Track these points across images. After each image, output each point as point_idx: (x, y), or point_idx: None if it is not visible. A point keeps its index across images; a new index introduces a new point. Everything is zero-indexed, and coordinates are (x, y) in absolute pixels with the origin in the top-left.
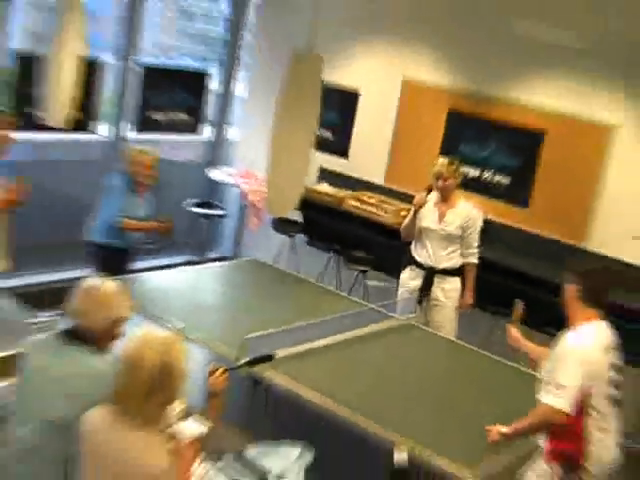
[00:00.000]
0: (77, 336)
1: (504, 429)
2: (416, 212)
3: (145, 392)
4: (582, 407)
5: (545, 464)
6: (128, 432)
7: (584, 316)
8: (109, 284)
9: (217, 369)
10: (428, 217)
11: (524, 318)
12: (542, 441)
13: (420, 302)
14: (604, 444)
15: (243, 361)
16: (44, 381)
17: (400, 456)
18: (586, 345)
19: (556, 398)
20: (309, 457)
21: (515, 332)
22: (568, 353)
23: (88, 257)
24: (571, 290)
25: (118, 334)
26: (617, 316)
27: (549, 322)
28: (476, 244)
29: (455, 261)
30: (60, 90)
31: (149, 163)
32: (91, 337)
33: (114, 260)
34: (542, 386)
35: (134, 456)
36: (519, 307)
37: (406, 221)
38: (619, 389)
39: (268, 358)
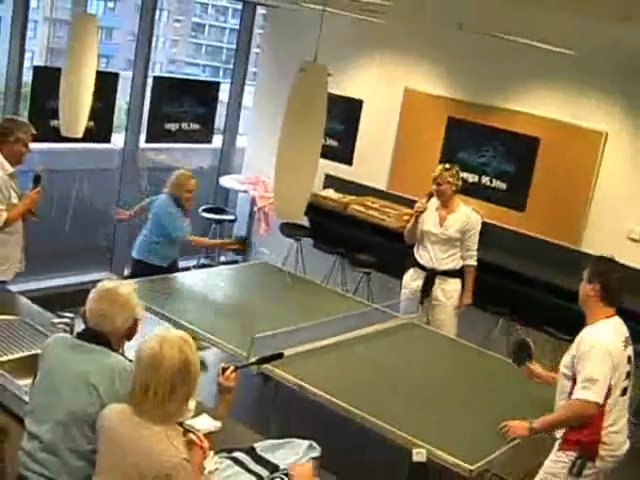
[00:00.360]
0: (94, 337)
1: (532, 424)
2: (417, 217)
3: (168, 391)
4: None
5: (561, 452)
6: (146, 426)
7: (602, 313)
8: (125, 286)
9: (228, 367)
10: (429, 221)
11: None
12: (559, 431)
13: (422, 302)
14: (616, 432)
15: (253, 359)
16: (66, 376)
17: (419, 455)
18: (608, 340)
19: (589, 392)
20: (317, 451)
21: (535, 368)
22: (594, 348)
23: (133, 273)
24: (590, 290)
25: (133, 334)
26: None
27: (545, 321)
28: (475, 247)
29: (455, 263)
30: (76, 102)
31: (194, 188)
32: (109, 338)
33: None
34: (562, 381)
35: (152, 448)
36: (531, 345)
37: (408, 225)
38: (629, 378)
39: (278, 356)
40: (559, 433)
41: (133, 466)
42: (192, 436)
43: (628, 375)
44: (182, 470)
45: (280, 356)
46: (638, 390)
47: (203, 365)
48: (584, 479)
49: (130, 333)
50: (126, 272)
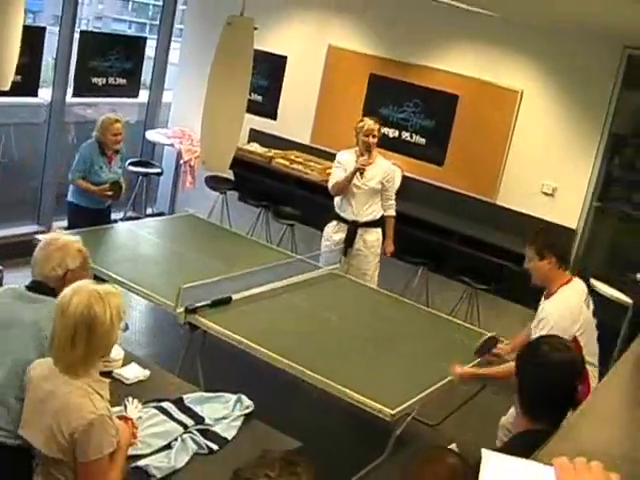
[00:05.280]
0: (36, 286)
1: (470, 369)
2: (361, 172)
3: (69, 340)
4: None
5: None
6: (67, 381)
7: (561, 280)
8: (65, 236)
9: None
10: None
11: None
12: None
13: (345, 254)
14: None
15: (204, 303)
16: (14, 326)
17: None
18: (570, 304)
19: None
20: (247, 404)
21: (465, 371)
22: (551, 315)
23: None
24: (546, 264)
25: (67, 283)
26: None
27: (461, 270)
28: (394, 197)
29: (375, 214)
30: (3, 55)
31: (119, 131)
32: (48, 285)
33: (83, 219)
34: None
35: (69, 402)
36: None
37: (340, 179)
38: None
39: (226, 300)
40: None
41: (51, 420)
42: (126, 415)
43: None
44: (99, 426)
45: (229, 300)
46: None
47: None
48: None
49: (64, 283)
50: (53, 226)
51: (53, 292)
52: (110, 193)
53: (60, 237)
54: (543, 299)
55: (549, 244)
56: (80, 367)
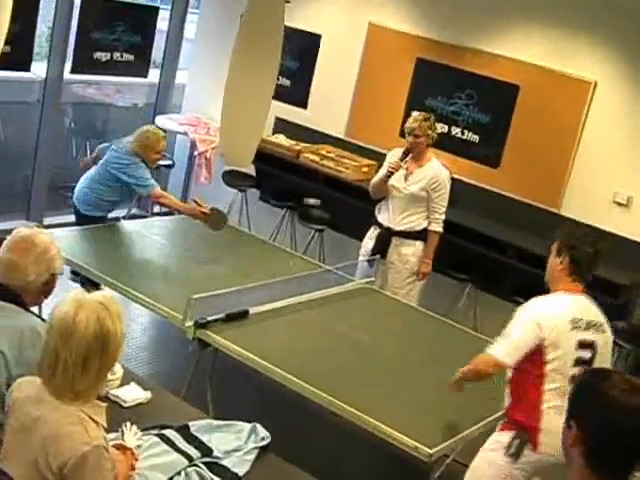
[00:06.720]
0: (2, 292)
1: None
2: (390, 174)
3: (80, 364)
4: (539, 378)
5: (499, 434)
6: (57, 406)
7: (565, 287)
8: (45, 235)
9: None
10: (396, 174)
11: None
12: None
13: (370, 263)
14: (557, 422)
15: (217, 316)
16: None
17: None
18: (550, 310)
19: (496, 346)
20: (262, 435)
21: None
22: (527, 310)
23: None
24: (558, 263)
25: (51, 290)
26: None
27: (517, 291)
28: (442, 210)
29: (415, 224)
30: None
31: (164, 149)
32: (20, 293)
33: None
34: None
35: (60, 432)
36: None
37: (376, 179)
38: (587, 365)
39: (243, 315)
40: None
41: (37, 451)
42: (124, 444)
43: (580, 362)
44: (94, 459)
45: (246, 314)
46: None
47: None
48: (523, 466)
49: (47, 289)
50: (46, 221)
51: (18, 298)
52: (208, 214)
53: (37, 234)
54: None
55: (571, 244)
56: (88, 391)
